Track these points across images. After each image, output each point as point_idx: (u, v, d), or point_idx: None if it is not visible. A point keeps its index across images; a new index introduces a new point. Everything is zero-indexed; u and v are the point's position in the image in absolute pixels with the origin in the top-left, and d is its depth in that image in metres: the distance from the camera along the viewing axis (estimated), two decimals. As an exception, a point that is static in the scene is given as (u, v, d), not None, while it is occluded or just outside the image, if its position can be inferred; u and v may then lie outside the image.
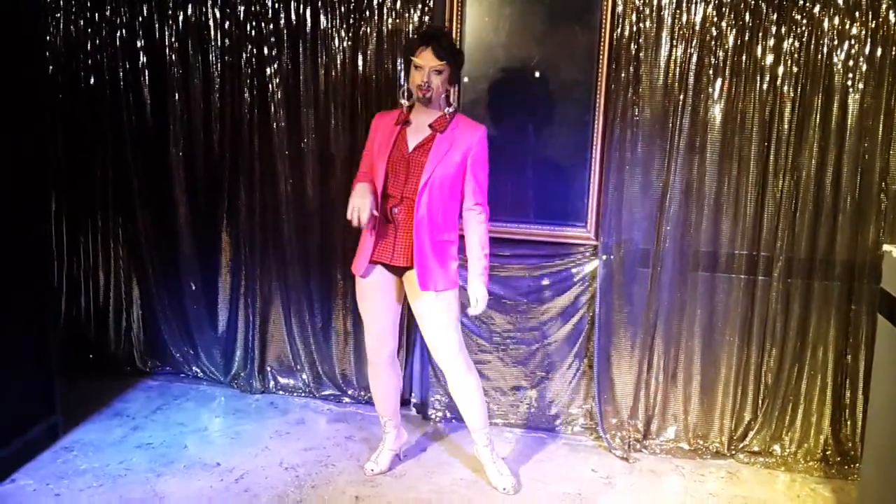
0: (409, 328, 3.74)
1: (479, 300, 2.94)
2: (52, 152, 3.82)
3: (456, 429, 3.67)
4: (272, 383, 4.04)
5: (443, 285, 2.90)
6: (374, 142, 2.96)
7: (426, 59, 2.76)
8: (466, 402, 3.09)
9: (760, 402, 3.47)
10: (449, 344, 3.00)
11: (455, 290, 2.97)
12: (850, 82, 3.14)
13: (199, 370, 4.15)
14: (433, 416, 3.78)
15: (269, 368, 4.04)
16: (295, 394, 4.00)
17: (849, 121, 3.16)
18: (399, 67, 3.54)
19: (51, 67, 3.87)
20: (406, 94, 2.90)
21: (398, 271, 2.98)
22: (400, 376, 3.28)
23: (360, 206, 2.77)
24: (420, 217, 2.84)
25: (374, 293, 3.03)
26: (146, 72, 3.85)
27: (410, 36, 2.80)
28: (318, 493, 3.07)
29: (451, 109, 2.91)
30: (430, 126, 2.88)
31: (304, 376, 3.99)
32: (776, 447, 3.45)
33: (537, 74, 3.41)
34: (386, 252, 2.93)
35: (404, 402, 3.84)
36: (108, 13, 3.83)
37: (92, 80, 3.91)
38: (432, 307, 2.94)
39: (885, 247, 2.81)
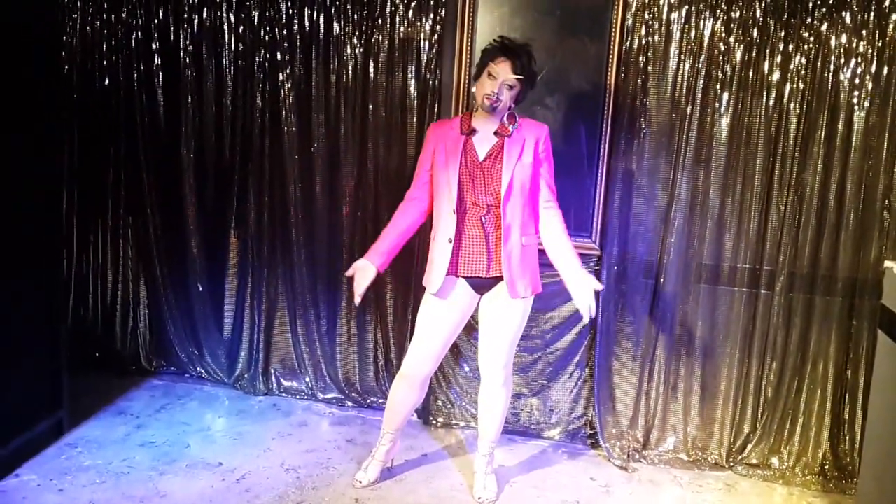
0: (411, 333, 3.76)
1: (591, 307, 2.79)
2: (66, 151, 3.86)
3: (456, 436, 3.69)
4: (276, 385, 4.06)
5: (529, 290, 2.90)
6: (436, 153, 2.89)
7: (503, 70, 2.72)
8: (491, 413, 3.08)
9: (760, 414, 3.49)
10: (508, 353, 2.99)
11: (533, 297, 2.96)
12: (855, 100, 3.17)
13: (203, 371, 4.18)
14: (434, 423, 3.80)
15: (272, 371, 4.07)
16: (298, 396, 4.03)
17: (854, 138, 3.19)
18: (410, 75, 3.59)
19: (66, 67, 3.91)
20: (476, 101, 2.85)
21: (486, 285, 2.94)
22: (423, 397, 3.18)
23: (358, 282, 2.89)
24: (508, 224, 2.83)
25: (450, 315, 2.95)
26: (160, 74, 3.90)
27: (492, 43, 2.73)
28: (319, 495, 3.08)
29: (515, 126, 2.85)
30: (496, 133, 2.85)
31: (308, 379, 4.01)
32: (774, 460, 3.47)
33: (548, 87, 3.44)
34: (478, 265, 2.88)
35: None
36: (124, 15, 3.88)
37: (106, 81, 3.95)
38: (514, 314, 2.92)
39: (887, 263, 2.84)
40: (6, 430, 3.10)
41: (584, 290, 2.80)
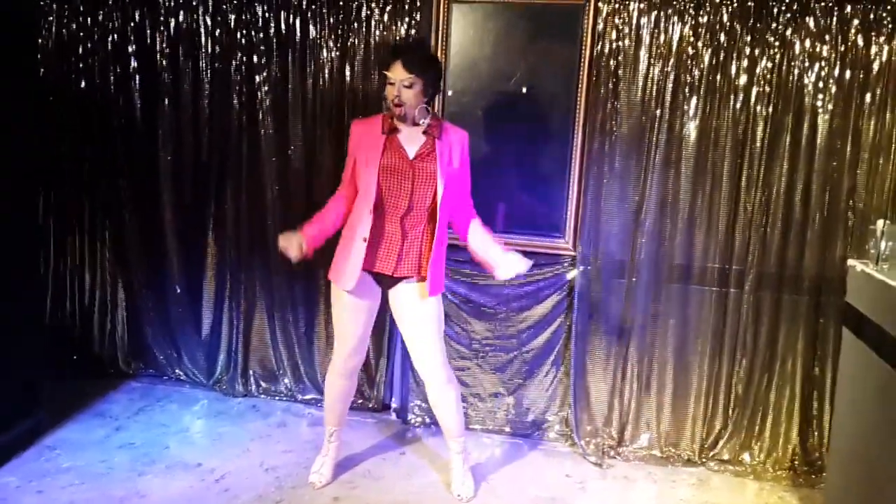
0: (389, 335, 3.81)
1: (518, 263, 2.91)
2: (42, 153, 3.85)
3: (434, 434, 3.72)
4: (254, 387, 4.08)
5: (441, 288, 2.99)
6: (358, 152, 2.91)
7: (396, 72, 2.75)
8: (445, 411, 3.13)
9: (731, 411, 3.55)
10: (439, 352, 3.03)
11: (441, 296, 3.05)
12: (819, 103, 3.24)
13: (182, 373, 4.19)
14: (412, 421, 3.84)
15: (251, 372, 4.09)
16: (277, 397, 4.05)
17: (818, 140, 3.26)
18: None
19: (42, 69, 3.90)
20: (385, 106, 2.89)
21: (389, 282, 2.99)
22: (356, 385, 3.27)
23: (284, 246, 2.88)
24: (441, 225, 2.90)
25: (361, 308, 3.00)
26: (136, 76, 3.90)
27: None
28: (298, 494, 3.12)
29: (426, 121, 2.88)
30: (425, 132, 2.88)
31: (287, 381, 4.04)
32: (746, 456, 3.54)
33: (523, 90, 3.49)
34: (388, 263, 2.91)
35: (385, 408, 3.93)
36: (100, 17, 3.88)
37: (83, 84, 3.95)
38: (431, 313, 2.97)
39: (851, 262, 2.90)
40: (-17, 433, 3.11)
41: (510, 261, 2.92)
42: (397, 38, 3.56)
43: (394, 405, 3.91)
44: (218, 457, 3.39)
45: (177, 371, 4.20)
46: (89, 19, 3.90)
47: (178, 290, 4.07)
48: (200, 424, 3.73)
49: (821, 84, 3.22)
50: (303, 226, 2.96)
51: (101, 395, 3.95)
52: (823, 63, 3.21)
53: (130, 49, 3.89)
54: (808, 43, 3.21)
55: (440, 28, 3.48)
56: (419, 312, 2.98)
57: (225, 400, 4.01)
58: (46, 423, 3.50)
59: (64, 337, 4.20)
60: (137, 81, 3.91)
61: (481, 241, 3.02)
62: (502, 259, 2.95)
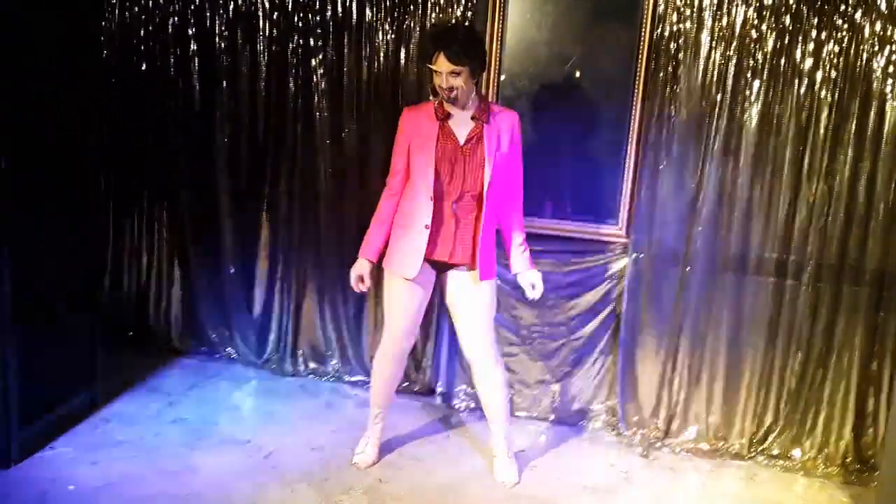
0: (436, 320, 3.82)
1: (535, 285, 3.03)
2: (103, 134, 3.93)
3: (479, 419, 3.70)
4: (303, 367, 4.12)
5: (493, 273, 2.99)
6: (411, 139, 2.92)
7: (441, 64, 2.73)
8: (493, 394, 3.11)
9: (783, 405, 3.47)
10: (489, 335, 3.03)
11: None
12: (888, 89, 3.13)
13: (233, 351, 4.24)
14: (457, 406, 3.84)
15: (300, 353, 4.13)
16: (324, 378, 4.08)
17: (886, 128, 3.15)
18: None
19: (105, 52, 3.97)
20: (433, 92, 2.88)
21: (444, 268, 3.01)
22: (403, 371, 3.29)
23: (355, 278, 3.03)
24: (488, 211, 2.90)
25: (416, 293, 3.00)
26: (196, 59, 3.95)
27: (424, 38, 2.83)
28: (343, 474, 3.14)
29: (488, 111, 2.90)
30: (473, 118, 2.89)
31: (335, 362, 4.07)
32: (796, 451, 3.46)
33: (577, 74, 3.45)
34: (444, 250, 2.93)
35: (430, 392, 3.94)
36: (161, 0, 3.94)
37: (144, 66, 4.02)
38: (486, 297, 2.98)
39: (916, 255, 2.81)
40: (42, 403, 3.18)
41: (529, 276, 3.05)
42: (454, 20, 3.53)
43: (440, 389, 3.91)
44: (266, 434, 3.44)
45: (228, 349, 4.25)
46: (150, 2, 3.96)
47: (232, 271, 4.12)
48: (250, 402, 3.79)
49: (891, 69, 3.11)
50: (368, 245, 3.05)
51: (155, 371, 4.02)
52: (894, 47, 3.09)
53: (190, 32, 3.93)
54: (878, 25, 3.09)
55: (497, 11, 3.45)
56: (474, 299, 2.98)
57: (274, 379, 4.06)
58: (102, 396, 3.57)
59: (121, 314, 4.28)
60: (197, 64, 3.96)
61: (512, 244, 3.08)
62: (521, 270, 3.07)
